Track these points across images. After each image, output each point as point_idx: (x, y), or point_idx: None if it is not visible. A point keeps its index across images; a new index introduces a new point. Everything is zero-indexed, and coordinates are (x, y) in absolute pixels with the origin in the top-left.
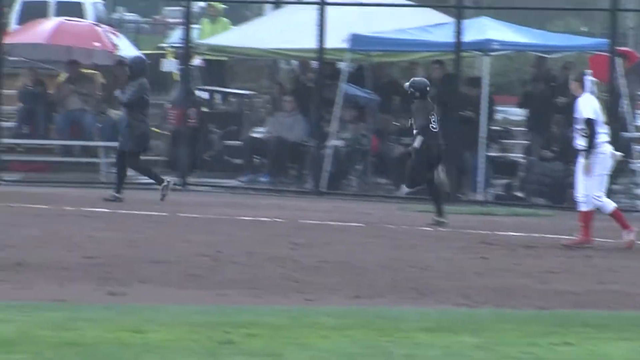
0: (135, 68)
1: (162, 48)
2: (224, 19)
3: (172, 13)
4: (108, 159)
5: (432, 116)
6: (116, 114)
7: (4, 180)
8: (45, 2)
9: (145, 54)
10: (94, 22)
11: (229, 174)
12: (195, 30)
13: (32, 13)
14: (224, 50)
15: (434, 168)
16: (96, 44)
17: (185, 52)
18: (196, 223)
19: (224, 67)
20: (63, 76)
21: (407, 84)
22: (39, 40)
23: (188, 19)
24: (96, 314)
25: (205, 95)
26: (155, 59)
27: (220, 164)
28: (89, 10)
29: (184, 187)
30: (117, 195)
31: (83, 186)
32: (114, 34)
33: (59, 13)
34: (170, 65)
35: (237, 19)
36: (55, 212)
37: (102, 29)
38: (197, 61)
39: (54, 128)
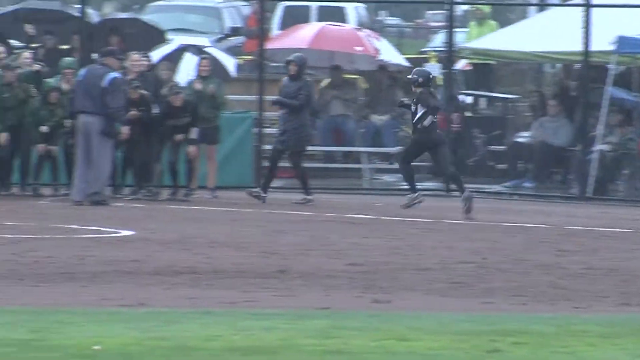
0: (303, 67)
1: (425, 52)
2: (491, 22)
3: (434, 17)
4: (371, 164)
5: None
6: (379, 119)
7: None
8: (307, 6)
9: (407, 58)
10: (356, 27)
11: (493, 179)
12: (459, 33)
13: (294, 18)
14: (487, 54)
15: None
16: (358, 48)
17: (448, 56)
18: (460, 229)
19: (491, 71)
20: (325, 82)
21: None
22: (300, 45)
23: (451, 23)
24: (360, 322)
25: (469, 99)
26: (418, 63)
27: (484, 169)
28: (351, 15)
29: (448, 194)
30: (263, 194)
31: (346, 192)
32: (376, 38)
33: (320, 18)
34: (433, 69)
35: (501, 22)
36: (319, 219)
37: (364, 34)
38: (460, 65)
39: (316, 134)
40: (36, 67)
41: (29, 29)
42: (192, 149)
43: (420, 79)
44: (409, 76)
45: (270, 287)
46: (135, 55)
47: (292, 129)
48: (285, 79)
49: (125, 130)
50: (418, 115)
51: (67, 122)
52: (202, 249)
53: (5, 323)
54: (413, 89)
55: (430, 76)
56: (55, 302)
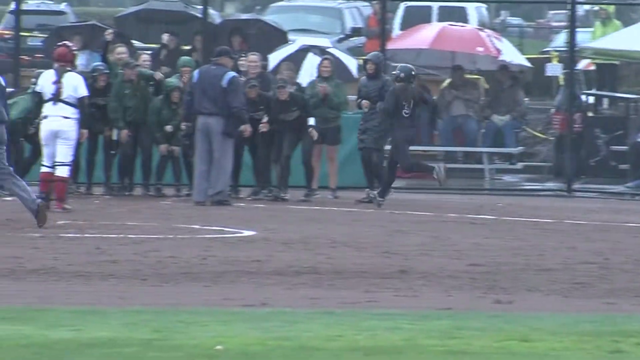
0: (380, 66)
1: (547, 52)
2: (616, 21)
3: (556, 16)
4: (492, 165)
5: (407, 102)
6: (500, 119)
7: None
8: (428, 7)
9: (528, 59)
10: (478, 27)
11: (615, 179)
12: (581, 33)
13: (415, 18)
14: (608, 54)
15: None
16: (479, 48)
17: (570, 56)
18: (582, 230)
19: (614, 70)
20: (446, 82)
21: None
22: (421, 46)
23: (573, 23)
24: (482, 323)
25: (591, 99)
26: (540, 63)
27: (606, 170)
28: (472, 15)
29: (570, 194)
30: (379, 198)
31: (467, 193)
32: (497, 38)
33: (441, 18)
34: (554, 69)
35: (624, 22)
36: (439, 219)
37: (486, 34)
38: (582, 65)
39: (437, 134)
40: (158, 75)
41: (167, 38)
42: (313, 133)
43: (402, 74)
44: (393, 72)
45: (392, 288)
46: (252, 56)
47: (372, 127)
48: (363, 78)
49: (247, 128)
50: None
51: (183, 125)
52: (324, 249)
53: (128, 323)
54: (395, 83)
55: (412, 72)
56: (177, 302)
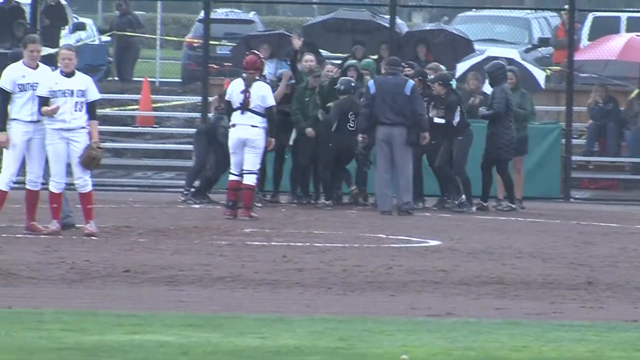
0: (495, 75)
1: None
2: None
3: None
4: None
5: (352, 116)
6: None
7: (575, 199)
8: (617, 17)
9: None
10: None
11: None
12: None
13: (603, 29)
14: None
15: (342, 163)
16: None
17: None
18: None
19: None
20: (635, 92)
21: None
22: (609, 57)
23: None
24: None
25: None
26: None
27: None
28: None
29: None
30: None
31: None
32: None
33: (629, 28)
34: None
35: None
36: (626, 231)
37: None
38: None
39: (624, 145)
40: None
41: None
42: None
43: (342, 87)
44: (335, 86)
45: (578, 299)
46: (308, 56)
47: (488, 137)
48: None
49: (427, 136)
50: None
51: (360, 137)
52: (509, 259)
53: (315, 331)
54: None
55: (352, 84)
56: (363, 310)
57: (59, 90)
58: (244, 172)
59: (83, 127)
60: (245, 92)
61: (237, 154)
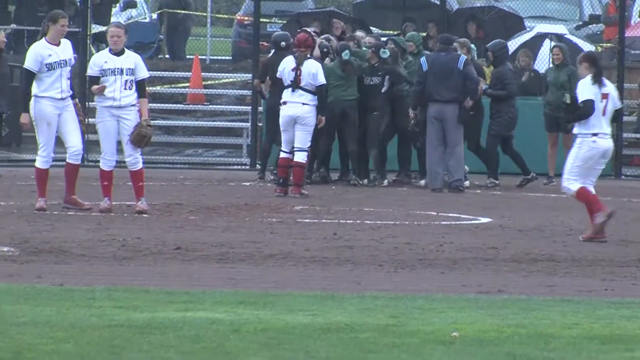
0: (499, 54)
1: None
2: None
3: None
4: None
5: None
6: None
7: (626, 176)
8: None
9: None
10: None
11: None
12: None
13: None
14: None
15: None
16: None
17: None
18: None
19: None
20: None
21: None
22: None
23: None
24: None
25: None
26: None
27: None
28: None
29: None
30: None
31: None
32: None
33: None
34: None
35: None
36: None
37: None
38: None
39: None
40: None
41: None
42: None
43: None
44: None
45: (629, 276)
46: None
47: (493, 114)
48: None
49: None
50: None
51: (412, 113)
52: (560, 236)
53: (365, 309)
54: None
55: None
56: (414, 288)
57: (109, 69)
58: (294, 149)
59: (133, 105)
60: (296, 69)
61: (287, 131)
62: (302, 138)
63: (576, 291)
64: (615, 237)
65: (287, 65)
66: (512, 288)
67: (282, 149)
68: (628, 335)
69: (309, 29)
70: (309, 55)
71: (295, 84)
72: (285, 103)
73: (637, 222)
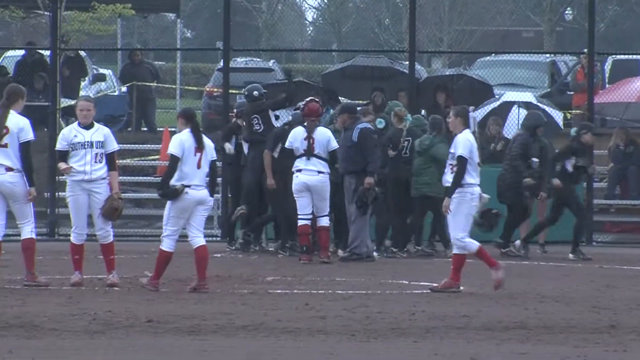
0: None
1: None
2: None
3: None
4: None
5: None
6: None
7: (597, 242)
8: (636, 60)
9: None
10: None
11: None
12: None
13: (622, 71)
14: None
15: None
16: None
17: None
18: None
19: None
20: None
21: None
22: (629, 99)
23: None
24: None
25: None
26: None
27: None
28: None
29: None
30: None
31: None
32: None
33: None
34: None
35: None
36: None
37: None
38: None
39: None
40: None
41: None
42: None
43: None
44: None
45: (602, 343)
46: None
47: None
48: None
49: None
50: None
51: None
52: (532, 303)
53: None
54: None
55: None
56: (387, 357)
57: (78, 142)
58: (317, 216)
59: (104, 179)
60: (309, 138)
61: (303, 197)
62: (323, 206)
63: (549, 358)
64: (587, 303)
65: (297, 135)
66: (485, 356)
67: (299, 215)
68: None
69: (317, 99)
70: (318, 124)
71: (310, 152)
72: (300, 171)
73: (608, 289)
